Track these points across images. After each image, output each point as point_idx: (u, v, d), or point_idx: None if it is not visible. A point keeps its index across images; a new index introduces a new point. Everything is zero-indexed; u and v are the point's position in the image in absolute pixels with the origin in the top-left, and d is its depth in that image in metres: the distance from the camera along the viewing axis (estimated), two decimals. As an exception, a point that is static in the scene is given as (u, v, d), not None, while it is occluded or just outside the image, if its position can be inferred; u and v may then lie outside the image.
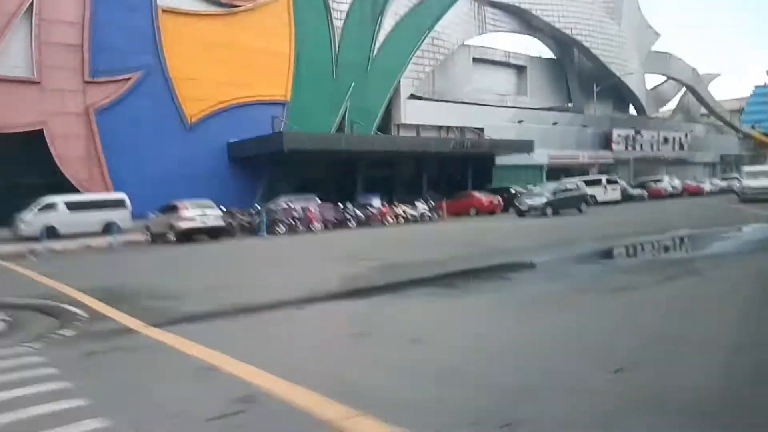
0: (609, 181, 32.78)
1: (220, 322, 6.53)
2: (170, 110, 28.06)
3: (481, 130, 41.59)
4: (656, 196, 38.07)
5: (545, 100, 51.07)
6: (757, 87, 74.63)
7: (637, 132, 49.39)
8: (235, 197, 27.60)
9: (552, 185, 27.24)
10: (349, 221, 22.59)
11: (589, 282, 8.14)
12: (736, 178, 49.66)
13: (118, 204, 23.77)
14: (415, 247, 14.25)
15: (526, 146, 38.69)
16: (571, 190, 26.75)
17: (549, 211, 24.49)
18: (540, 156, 44.53)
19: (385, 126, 38.40)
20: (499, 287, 8.21)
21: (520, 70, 49.44)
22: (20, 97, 24.14)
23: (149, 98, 27.27)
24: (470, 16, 42.79)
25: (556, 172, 45.35)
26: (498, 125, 42.23)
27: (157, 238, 20.28)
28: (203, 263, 13.93)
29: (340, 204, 24.39)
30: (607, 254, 11.96)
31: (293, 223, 20.93)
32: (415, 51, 38.37)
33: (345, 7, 34.53)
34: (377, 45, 36.16)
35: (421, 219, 24.45)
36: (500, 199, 28.41)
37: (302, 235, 20.36)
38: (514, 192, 30.78)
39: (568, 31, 47.46)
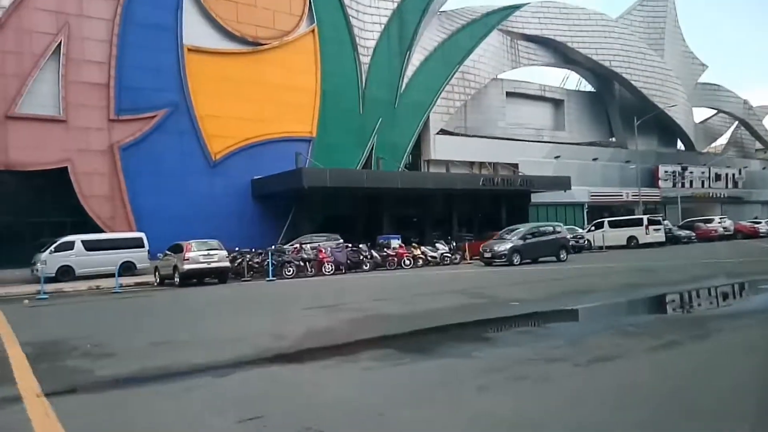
0: (651, 222, 30.83)
1: (120, 393, 5.77)
2: (195, 147, 28.15)
3: (516, 166, 40.41)
4: (706, 237, 35.67)
5: (585, 135, 49.52)
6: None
7: (684, 168, 47.03)
8: (259, 236, 27.31)
9: (524, 228, 23.89)
10: (364, 263, 21.66)
11: (569, 346, 6.98)
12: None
13: (136, 243, 23.68)
14: (411, 296, 13.22)
15: (562, 183, 37.15)
16: (545, 234, 23.43)
17: (516, 258, 21.44)
18: (580, 193, 42.96)
19: (414, 162, 37.80)
20: (468, 350, 7.13)
21: (557, 103, 48.15)
22: (47, 136, 24.61)
23: (174, 136, 27.47)
24: (502, 50, 42.08)
25: (598, 210, 43.64)
26: (534, 161, 41.04)
27: (165, 280, 19.88)
28: (180, 311, 13.26)
29: (362, 244, 23.57)
30: (612, 309, 10.66)
31: (302, 264, 20.15)
32: (445, 86, 37.79)
33: (372, 44, 34.38)
34: (405, 80, 35.77)
35: (441, 261, 23.26)
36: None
37: (309, 278, 19.54)
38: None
39: (606, 64, 46.05)
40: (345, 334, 8.61)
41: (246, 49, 29.94)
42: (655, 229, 30.40)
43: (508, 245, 21.94)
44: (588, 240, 32.51)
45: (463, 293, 13.11)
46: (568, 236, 27.84)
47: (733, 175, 55.76)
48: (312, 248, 20.83)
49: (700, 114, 62.07)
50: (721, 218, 38.19)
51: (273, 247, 22.40)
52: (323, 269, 20.32)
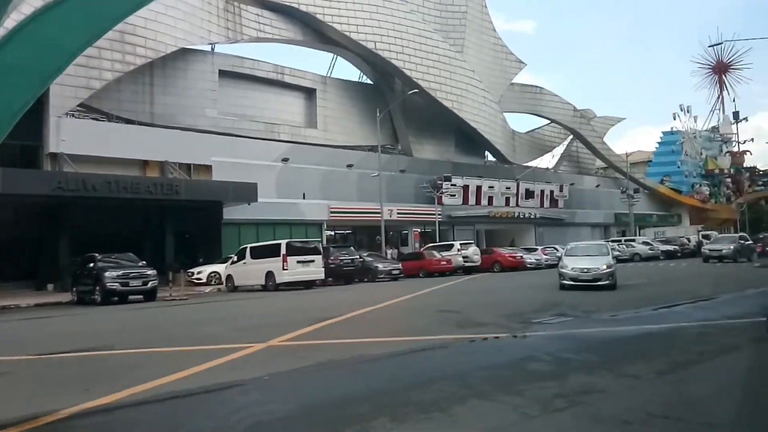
0: (293, 250, 19.81)
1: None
2: None
3: (209, 168, 29.23)
4: (433, 270, 25.41)
5: (357, 136, 39.11)
6: (664, 134, 64.17)
7: (447, 178, 37.27)
8: None
9: None
10: None
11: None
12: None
13: None
14: None
15: (246, 193, 26.25)
16: None
17: None
18: (316, 210, 32.34)
19: (34, 156, 25.91)
20: None
21: (310, 94, 37.49)
22: None
23: None
24: (207, 12, 30.92)
25: (368, 231, 33.57)
26: (249, 164, 29.95)
27: None
28: None
29: None
30: None
31: None
32: (85, 48, 25.85)
33: None
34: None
35: None
36: None
37: None
38: (93, 264, 17.48)
39: (369, 45, 35.86)
40: None
41: None
42: (299, 262, 19.50)
43: None
44: (230, 276, 21.54)
45: None
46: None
47: (551, 192, 47.09)
48: None
49: (527, 122, 53.74)
50: (463, 244, 28.19)
51: None
52: None
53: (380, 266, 23.65)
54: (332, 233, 36.22)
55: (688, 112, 63.78)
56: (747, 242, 28.54)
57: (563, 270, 15.70)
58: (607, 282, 14.91)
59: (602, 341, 7.84)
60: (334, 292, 18.83)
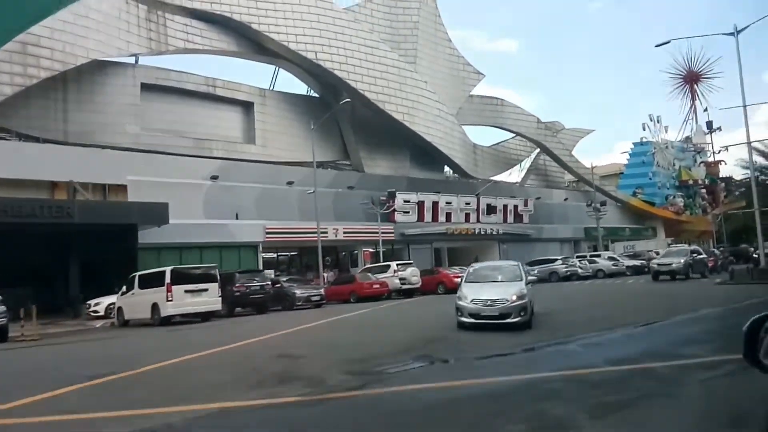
0: (181, 277, 17.34)
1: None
2: None
3: (124, 188, 26.81)
4: (368, 294, 23.01)
5: (303, 153, 36.69)
6: (635, 144, 62.38)
7: (391, 195, 35.06)
8: None
9: None
10: None
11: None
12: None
13: None
14: None
15: (156, 214, 23.80)
16: None
17: None
18: (250, 231, 29.96)
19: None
20: None
21: (247, 107, 35.27)
22: None
23: None
24: (127, 21, 28.77)
25: (318, 254, 31.25)
26: (174, 182, 27.63)
27: None
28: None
29: None
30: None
31: None
32: (-22, 61, 23.76)
33: None
34: None
35: None
36: None
37: None
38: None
39: (309, 55, 33.81)
40: None
41: None
42: (188, 291, 17.06)
43: None
44: (121, 308, 19.08)
45: None
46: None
47: (515, 207, 44.97)
48: None
49: (496, 135, 51.81)
50: (400, 265, 25.87)
51: None
52: None
53: (298, 292, 21.22)
54: (274, 255, 33.93)
55: (658, 122, 62.17)
56: (700, 256, 26.37)
57: (461, 303, 11.61)
58: (518, 318, 11.08)
59: (399, 411, 5.55)
60: (217, 326, 16.28)
